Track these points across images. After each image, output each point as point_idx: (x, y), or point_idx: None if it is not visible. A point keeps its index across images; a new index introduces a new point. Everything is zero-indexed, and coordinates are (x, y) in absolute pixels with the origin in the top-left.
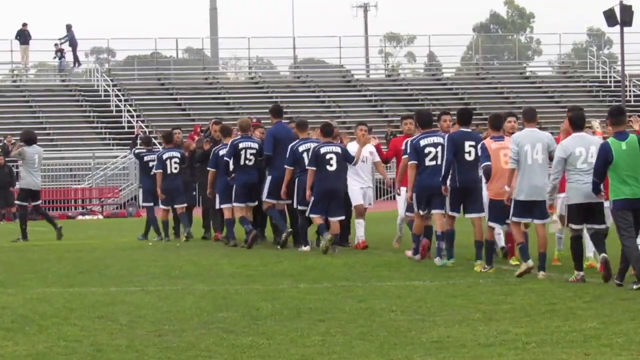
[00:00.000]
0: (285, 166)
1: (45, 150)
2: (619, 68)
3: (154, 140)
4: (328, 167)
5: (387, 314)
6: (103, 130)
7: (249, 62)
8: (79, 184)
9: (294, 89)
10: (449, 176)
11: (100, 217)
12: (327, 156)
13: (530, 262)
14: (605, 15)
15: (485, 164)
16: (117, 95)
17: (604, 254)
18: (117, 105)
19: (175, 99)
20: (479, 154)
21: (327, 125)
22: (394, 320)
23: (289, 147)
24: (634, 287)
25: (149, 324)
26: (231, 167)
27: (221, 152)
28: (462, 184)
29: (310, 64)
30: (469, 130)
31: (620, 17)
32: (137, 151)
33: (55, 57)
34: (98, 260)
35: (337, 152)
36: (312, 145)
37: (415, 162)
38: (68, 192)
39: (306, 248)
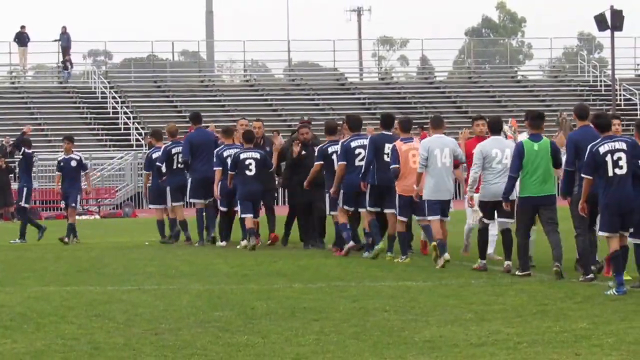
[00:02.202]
0: (214, 168)
1: (43, 152)
2: (610, 72)
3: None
4: (247, 172)
5: (380, 313)
6: (100, 132)
7: (244, 65)
8: None
9: (288, 91)
10: (368, 174)
11: (97, 217)
12: (247, 162)
13: (447, 255)
14: (596, 19)
15: (393, 166)
16: (114, 97)
17: (508, 262)
18: (114, 107)
19: (172, 101)
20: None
21: (248, 132)
22: (387, 320)
23: (215, 152)
24: (517, 273)
25: (146, 322)
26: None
27: (154, 156)
28: (379, 182)
29: (304, 67)
30: (390, 133)
31: (611, 22)
32: (27, 152)
33: (61, 68)
34: (95, 260)
35: (256, 158)
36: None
37: (344, 162)
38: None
39: (222, 243)
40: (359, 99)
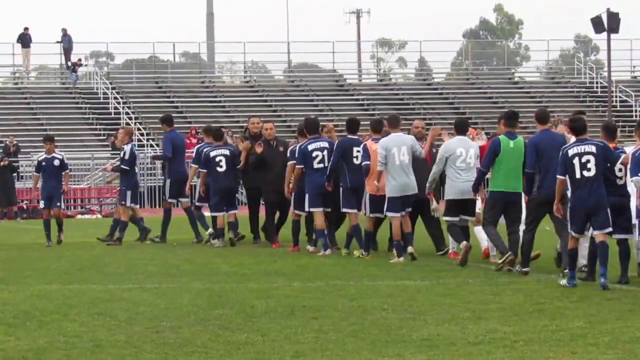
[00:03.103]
0: (192, 164)
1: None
2: (606, 74)
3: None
4: (218, 169)
5: (378, 312)
6: (102, 132)
7: (244, 66)
8: (78, 184)
9: (288, 92)
10: (338, 177)
11: (99, 216)
12: (217, 159)
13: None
14: (593, 22)
15: (364, 163)
16: (115, 98)
17: (465, 242)
18: (115, 108)
19: (172, 102)
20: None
21: (217, 130)
22: (385, 318)
23: (196, 149)
24: (499, 260)
25: (147, 320)
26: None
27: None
28: (352, 184)
29: (304, 68)
30: (356, 137)
31: (608, 24)
32: None
33: (69, 69)
34: (96, 258)
35: (225, 155)
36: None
37: (302, 166)
38: (67, 191)
39: (215, 241)
40: (357, 100)
